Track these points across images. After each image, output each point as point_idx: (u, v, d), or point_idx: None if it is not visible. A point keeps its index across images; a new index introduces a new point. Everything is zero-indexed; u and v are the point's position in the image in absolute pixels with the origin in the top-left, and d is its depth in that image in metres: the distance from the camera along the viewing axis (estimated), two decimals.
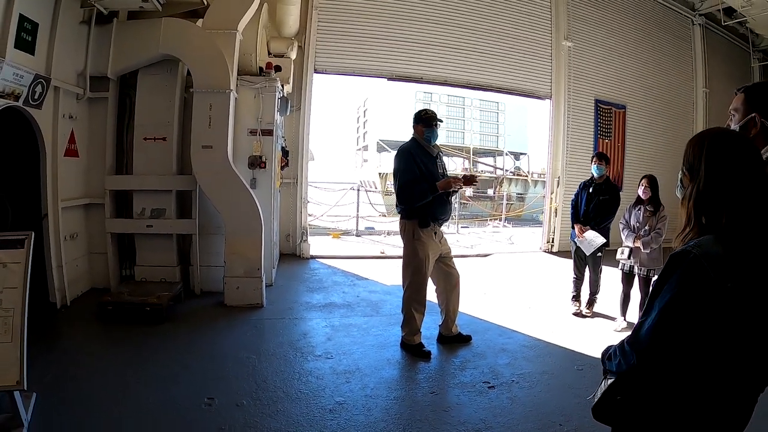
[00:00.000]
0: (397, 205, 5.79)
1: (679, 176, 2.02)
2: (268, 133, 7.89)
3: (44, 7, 6.06)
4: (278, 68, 8.55)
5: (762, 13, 13.60)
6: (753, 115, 2.36)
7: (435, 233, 5.72)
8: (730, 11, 14.68)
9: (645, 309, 1.91)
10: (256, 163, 7.80)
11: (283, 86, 8.57)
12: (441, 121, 5.93)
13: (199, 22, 7.43)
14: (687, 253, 1.78)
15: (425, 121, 5.72)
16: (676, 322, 1.78)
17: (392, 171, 5.81)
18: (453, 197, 5.82)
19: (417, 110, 5.99)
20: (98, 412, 4.02)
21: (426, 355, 5.59)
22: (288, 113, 9.32)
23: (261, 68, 8.15)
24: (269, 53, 9.43)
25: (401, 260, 5.92)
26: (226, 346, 5.67)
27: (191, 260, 7.54)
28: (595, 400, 2.04)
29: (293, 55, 9.90)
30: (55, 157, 6.50)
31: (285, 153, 9.88)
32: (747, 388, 1.95)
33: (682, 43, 15.26)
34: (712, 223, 1.84)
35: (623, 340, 1.95)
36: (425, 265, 5.65)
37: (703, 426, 1.98)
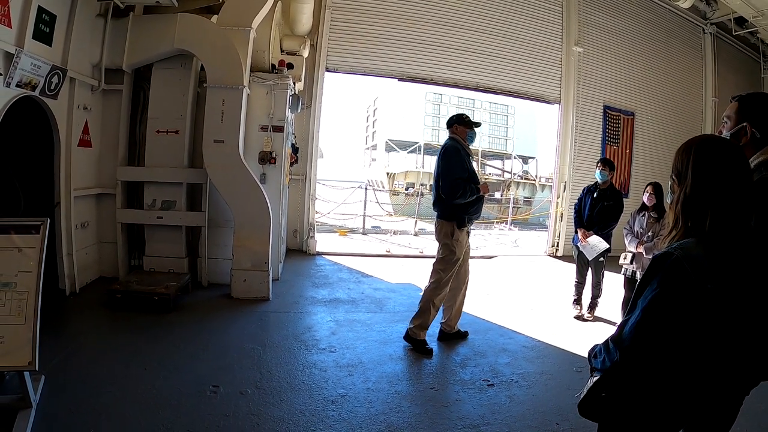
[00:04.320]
0: (434, 204, 5.87)
1: (669, 183, 2.09)
2: (279, 129, 7.96)
3: (62, 0, 6.17)
4: (290, 66, 8.63)
5: None
6: (744, 124, 2.43)
7: (468, 233, 5.89)
8: (741, 21, 14.61)
9: (629, 308, 1.99)
10: (266, 158, 7.88)
11: (294, 84, 8.65)
12: (480, 125, 6.21)
13: (214, 18, 7.51)
14: (669, 254, 1.86)
15: (467, 123, 5.93)
16: (657, 320, 1.85)
17: (438, 169, 5.84)
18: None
19: (454, 113, 6.17)
20: (104, 396, 4.10)
21: (428, 352, 5.66)
22: (299, 111, 9.40)
23: (273, 65, 8.23)
24: (282, 51, 9.49)
25: (434, 258, 5.96)
26: (231, 336, 5.75)
27: (199, 252, 7.63)
28: (581, 397, 2.11)
29: (305, 53, 9.97)
30: (69, 147, 6.62)
31: (295, 150, 9.95)
32: (728, 386, 2.01)
33: (692, 51, 15.21)
34: (697, 226, 1.91)
35: (608, 338, 2.02)
36: (458, 264, 5.79)
37: (685, 421, 2.05)
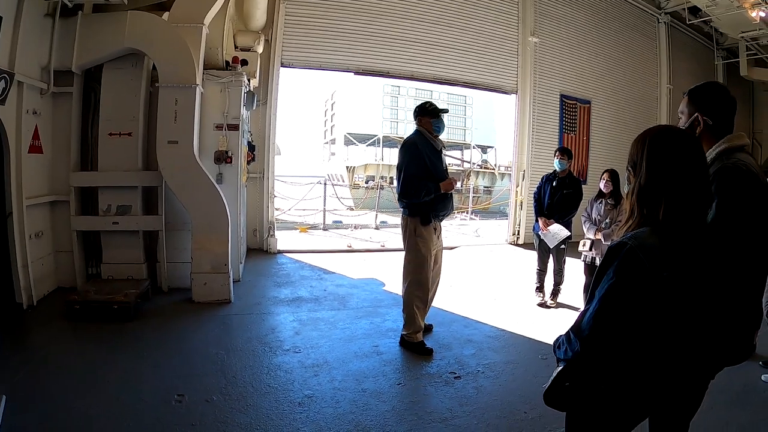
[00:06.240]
0: (399, 199, 5.65)
1: (626, 174, 2.13)
2: (235, 127, 7.87)
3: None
4: (245, 62, 8.53)
5: (726, 12, 13.94)
6: (696, 114, 2.49)
7: (435, 229, 5.70)
8: (695, 10, 15.04)
9: (588, 298, 2.02)
10: (222, 158, 7.78)
11: (249, 80, 8.56)
12: (447, 111, 5.91)
13: (165, 15, 7.36)
14: (623, 244, 1.90)
15: (431, 112, 5.65)
16: (614, 309, 1.90)
17: (396, 164, 5.69)
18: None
19: (419, 103, 5.85)
20: (68, 411, 3.99)
21: (428, 353, 5.53)
22: (254, 107, 9.29)
23: (227, 62, 8.12)
24: (236, 47, 9.35)
25: (402, 258, 5.80)
26: (194, 342, 5.66)
27: (158, 257, 7.49)
28: (546, 387, 2.13)
29: (260, 49, 9.83)
30: (19, 153, 6.37)
31: (251, 148, 9.84)
32: (688, 372, 2.05)
33: (647, 40, 15.59)
34: (652, 215, 1.95)
35: (569, 329, 2.05)
36: (428, 261, 5.61)
37: (649, 408, 2.09)
